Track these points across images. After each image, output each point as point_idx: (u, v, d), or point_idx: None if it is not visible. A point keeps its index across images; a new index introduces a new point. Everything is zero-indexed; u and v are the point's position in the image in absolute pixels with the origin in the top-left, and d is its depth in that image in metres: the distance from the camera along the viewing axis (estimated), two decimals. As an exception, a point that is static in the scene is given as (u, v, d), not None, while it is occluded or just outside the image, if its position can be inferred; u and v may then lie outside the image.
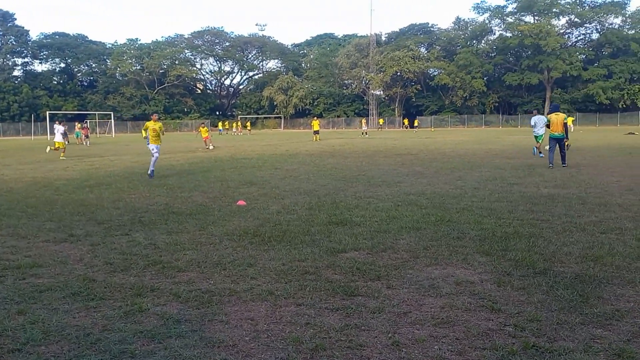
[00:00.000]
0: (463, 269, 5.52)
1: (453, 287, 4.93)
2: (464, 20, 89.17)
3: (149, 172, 15.40)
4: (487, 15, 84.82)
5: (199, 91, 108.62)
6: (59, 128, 26.01)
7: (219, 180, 14.32)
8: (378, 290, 4.92)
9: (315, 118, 47.06)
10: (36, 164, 21.60)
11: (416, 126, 71.00)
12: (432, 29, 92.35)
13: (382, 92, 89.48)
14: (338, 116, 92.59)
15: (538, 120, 20.31)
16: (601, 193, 10.47)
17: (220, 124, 72.65)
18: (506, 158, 19.82)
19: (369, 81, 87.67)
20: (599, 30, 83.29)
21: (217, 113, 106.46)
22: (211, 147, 30.35)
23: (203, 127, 33.56)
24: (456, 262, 5.74)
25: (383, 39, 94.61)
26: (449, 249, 6.28)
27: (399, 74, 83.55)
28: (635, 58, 76.52)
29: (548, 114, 16.71)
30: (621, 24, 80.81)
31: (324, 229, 7.63)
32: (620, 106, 77.66)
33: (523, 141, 32.65)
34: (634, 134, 41.47)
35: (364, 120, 55.32)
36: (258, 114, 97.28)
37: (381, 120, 55.74)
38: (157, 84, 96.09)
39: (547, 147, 16.22)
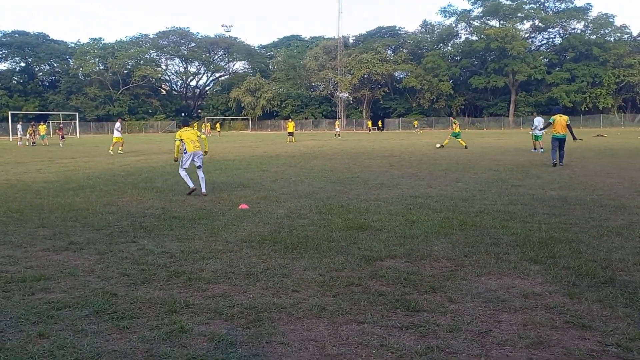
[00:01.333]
0: (520, 279, 5.15)
1: (523, 301, 4.54)
2: (430, 23, 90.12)
3: (203, 191, 11.71)
4: (453, 19, 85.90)
5: (164, 92, 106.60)
6: (116, 125, 28.84)
7: (208, 182, 13.68)
8: (442, 305, 4.51)
9: (291, 120, 46.66)
10: (5, 166, 20.49)
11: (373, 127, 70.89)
12: (399, 32, 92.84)
13: (349, 95, 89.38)
14: (306, 118, 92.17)
15: (538, 122, 21.73)
16: (612, 195, 10.33)
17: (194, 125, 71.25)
18: (492, 160, 19.72)
19: (337, 83, 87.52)
20: (562, 35, 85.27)
21: (183, 114, 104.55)
22: (119, 151, 29.29)
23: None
24: (509, 272, 5.37)
25: (351, 41, 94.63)
26: (493, 257, 5.91)
27: (367, 76, 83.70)
28: (597, 62, 78.54)
29: (552, 114, 17.17)
30: (583, 29, 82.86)
31: (345, 235, 7.19)
32: (582, 109, 79.54)
33: (498, 142, 32.83)
34: (602, 135, 42.35)
35: (337, 122, 55.08)
36: (225, 116, 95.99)
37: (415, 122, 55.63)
38: (121, 85, 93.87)
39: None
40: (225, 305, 4.64)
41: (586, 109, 79.93)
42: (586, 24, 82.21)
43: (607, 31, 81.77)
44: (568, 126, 16.32)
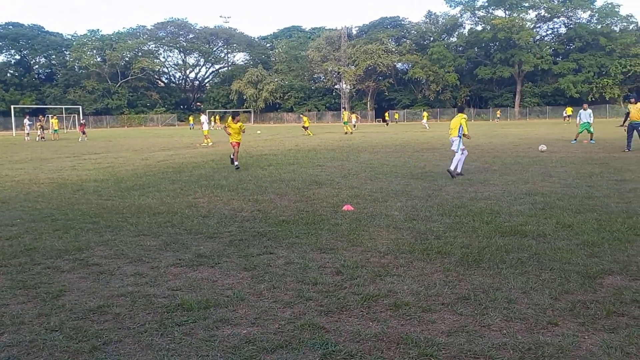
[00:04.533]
0: None
1: None
2: (435, 14, 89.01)
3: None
4: (459, 8, 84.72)
5: (163, 85, 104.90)
6: (203, 117, 30.56)
7: (276, 180, 12.67)
8: None
9: (302, 115, 45.87)
10: (30, 163, 19.34)
11: (387, 120, 68.98)
12: (403, 22, 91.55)
13: (353, 86, 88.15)
14: (309, 110, 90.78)
15: (584, 114, 23.09)
16: None
17: (191, 118, 69.65)
18: (546, 152, 18.71)
19: (341, 75, 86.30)
20: (567, 24, 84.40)
21: (182, 107, 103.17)
22: (210, 144, 28.37)
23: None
24: None
25: (354, 32, 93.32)
26: None
27: (371, 67, 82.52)
28: (603, 52, 77.76)
29: (630, 103, 18.49)
30: (589, 18, 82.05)
31: (513, 243, 6.21)
32: (589, 99, 78.75)
33: (529, 134, 31.90)
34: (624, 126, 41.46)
35: (354, 115, 53.89)
36: (226, 108, 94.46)
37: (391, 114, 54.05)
38: (120, 77, 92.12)
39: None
40: (495, 345, 3.65)
41: (593, 99, 79.12)
42: (592, 13, 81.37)
43: (613, 20, 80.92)
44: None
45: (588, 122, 23.26)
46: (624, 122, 18.67)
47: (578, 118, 24.27)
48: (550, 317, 4.06)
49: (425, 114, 56.02)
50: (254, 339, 3.87)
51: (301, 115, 41.49)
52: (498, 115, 74.83)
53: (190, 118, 70.61)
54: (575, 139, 23.17)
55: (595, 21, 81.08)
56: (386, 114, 68.93)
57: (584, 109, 23.81)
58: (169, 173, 14.62)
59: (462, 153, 12.74)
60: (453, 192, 10.33)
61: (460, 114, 13.23)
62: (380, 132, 39.61)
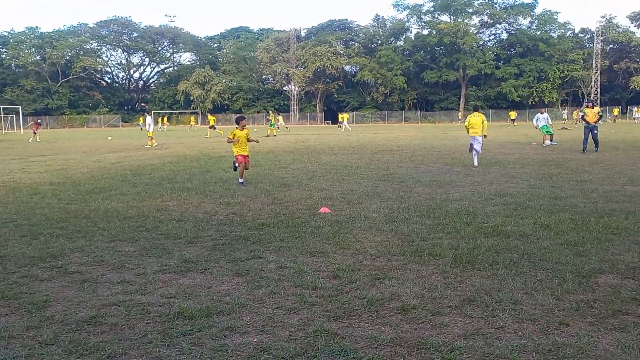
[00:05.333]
0: None
1: None
2: (382, 17, 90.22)
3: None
4: (406, 12, 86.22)
5: (106, 84, 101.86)
6: (149, 119, 29.18)
7: (232, 179, 12.45)
8: None
9: (272, 112, 45.53)
10: (-25, 165, 18.32)
11: (340, 122, 69.30)
12: (351, 25, 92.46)
13: (302, 88, 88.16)
14: (258, 112, 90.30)
15: (542, 117, 23.92)
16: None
17: (141, 119, 67.73)
18: (501, 153, 19.25)
19: (290, 76, 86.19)
20: (509, 30, 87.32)
21: (126, 108, 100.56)
22: (155, 144, 27.59)
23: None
24: None
25: (302, 34, 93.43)
26: None
27: (321, 69, 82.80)
28: (543, 58, 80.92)
29: (587, 107, 19.84)
30: (529, 24, 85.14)
31: (500, 244, 6.29)
32: (529, 103, 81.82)
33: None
34: (566, 128, 43.24)
35: (346, 115, 53.72)
36: (172, 109, 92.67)
37: (346, 116, 53.64)
38: (60, 76, 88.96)
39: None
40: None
41: (533, 102, 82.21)
42: (531, 19, 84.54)
43: (551, 27, 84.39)
44: (599, 115, 19.42)
45: (547, 125, 24.00)
46: (579, 121, 20.85)
47: (536, 122, 24.95)
48: (559, 318, 4.10)
49: (346, 115, 55.13)
50: (267, 347, 3.73)
51: (207, 115, 41.94)
52: (460, 117, 76.81)
53: (141, 119, 68.65)
54: (550, 140, 23.74)
55: (535, 28, 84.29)
56: (339, 116, 69.00)
57: (542, 113, 24.63)
58: (128, 175, 14.13)
59: (475, 151, 15.02)
60: (424, 193, 10.42)
61: (480, 114, 15.43)
62: (333, 134, 39.71)
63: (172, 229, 7.50)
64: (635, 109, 64.57)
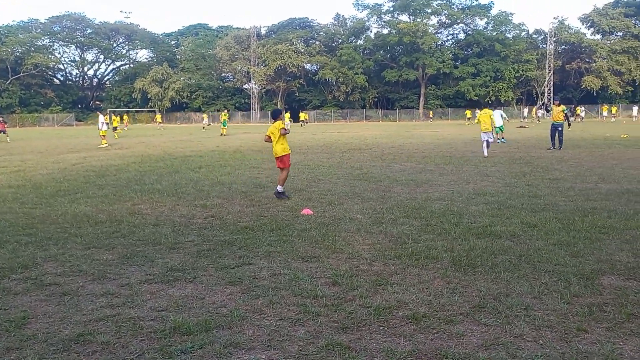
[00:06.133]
0: None
1: None
2: (343, 16, 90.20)
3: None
4: (366, 12, 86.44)
5: (59, 82, 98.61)
6: (101, 117, 28.23)
7: (215, 183, 12.08)
8: None
9: (226, 110, 44.59)
10: None
11: (303, 121, 69.08)
12: (312, 23, 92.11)
13: (262, 87, 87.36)
14: (218, 110, 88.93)
15: (496, 114, 22.91)
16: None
17: (106, 117, 65.62)
18: (469, 152, 19.37)
19: (250, 74, 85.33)
20: (466, 31, 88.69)
21: (80, 106, 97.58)
22: (105, 145, 26.66)
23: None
24: None
25: (263, 32, 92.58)
26: None
27: (282, 67, 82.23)
28: (499, 58, 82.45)
29: (554, 105, 19.77)
30: (485, 25, 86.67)
31: (494, 245, 6.18)
32: (486, 102, 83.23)
33: (441, 135, 33.01)
34: (524, 127, 44.15)
35: (303, 115, 52.83)
36: (129, 107, 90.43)
37: (305, 115, 51.90)
38: (10, 74, 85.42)
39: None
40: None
41: (490, 101, 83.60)
42: (488, 20, 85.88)
43: (506, 28, 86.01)
44: (565, 114, 19.33)
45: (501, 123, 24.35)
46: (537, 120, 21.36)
47: (501, 119, 25.22)
48: (576, 324, 3.98)
49: (287, 114, 53.05)
50: (279, 364, 3.47)
51: (109, 113, 40.04)
52: (431, 116, 77.59)
53: (106, 117, 66.65)
54: (502, 138, 24.13)
55: (491, 28, 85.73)
56: (301, 115, 68.63)
57: (499, 110, 25.15)
58: (91, 177, 13.54)
59: (487, 143, 17.11)
60: (403, 193, 10.29)
61: (488, 110, 18.09)
62: (298, 133, 39.40)
63: (149, 234, 7.12)
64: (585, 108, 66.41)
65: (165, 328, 4.05)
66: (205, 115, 60.45)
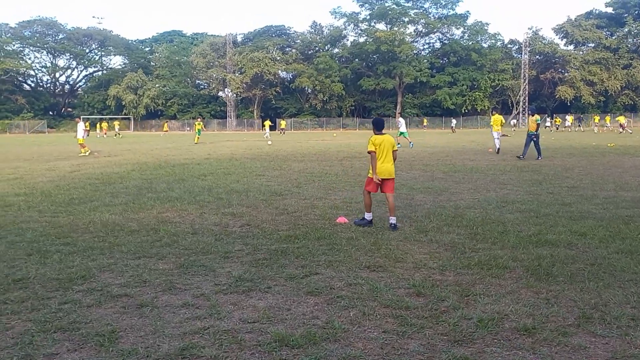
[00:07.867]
0: None
1: None
2: (319, 24, 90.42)
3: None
4: (343, 20, 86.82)
5: (30, 88, 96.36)
6: (80, 125, 26.88)
7: (229, 191, 11.83)
8: None
9: (199, 119, 43.82)
10: None
11: (283, 129, 68.69)
12: (288, 31, 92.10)
13: (238, 94, 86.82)
14: (194, 118, 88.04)
15: (401, 122, 29.22)
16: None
17: (87, 124, 63.97)
18: (468, 160, 19.45)
19: (227, 82, 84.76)
20: (442, 40, 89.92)
21: (52, 113, 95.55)
22: (87, 153, 25.59)
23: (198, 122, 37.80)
24: None
25: (239, 39, 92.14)
26: None
27: (258, 75, 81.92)
28: (475, 67, 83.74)
29: (530, 115, 20.46)
30: (461, 34, 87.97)
31: (558, 254, 6.13)
32: (462, 111, 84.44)
33: (430, 143, 33.20)
34: (506, 135, 44.69)
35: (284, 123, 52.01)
36: (103, 115, 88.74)
37: (267, 123, 49.15)
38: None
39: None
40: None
41: (466, 110, 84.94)
42: (464, 30, 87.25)
43: (482, 38, 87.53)
44: (538, 124, 19.72)
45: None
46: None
47: (401, 126, 29.46)
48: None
49: (267, 122, 49.86)
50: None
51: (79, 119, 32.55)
52: (425, 124, 78.10)
53: (87, 124, 65.09)
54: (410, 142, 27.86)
55: (467, 38, 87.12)
56: (282, 123, 67.86)
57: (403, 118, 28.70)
58: (97, 185, 13.13)
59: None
60: (427, 201, 10.22)
61: (499, 115, 22.44)
62: (281, 141, 39.16)
63: (193, 243, 6.87)
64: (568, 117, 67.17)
65: (269, 341, 3.87)
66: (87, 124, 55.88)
